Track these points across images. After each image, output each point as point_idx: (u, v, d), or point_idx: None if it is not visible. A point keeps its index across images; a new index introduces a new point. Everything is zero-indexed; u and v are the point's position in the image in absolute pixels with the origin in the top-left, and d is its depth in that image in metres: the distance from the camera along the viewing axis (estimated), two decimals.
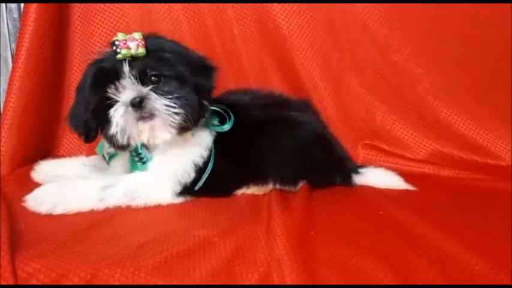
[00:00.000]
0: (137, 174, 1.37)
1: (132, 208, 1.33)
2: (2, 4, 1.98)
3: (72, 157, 1.66)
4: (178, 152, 1.37)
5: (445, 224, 1.19)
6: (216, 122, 1.43)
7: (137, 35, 1.25)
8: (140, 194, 1.33)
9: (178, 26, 1.80)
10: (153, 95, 1.25)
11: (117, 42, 1.24)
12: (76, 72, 1.85)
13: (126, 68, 1.25)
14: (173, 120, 1.27)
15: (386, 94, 1.88)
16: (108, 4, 1.80)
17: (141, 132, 1.28)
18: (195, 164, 1.37)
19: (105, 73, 1.27)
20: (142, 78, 1.26)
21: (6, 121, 1.65)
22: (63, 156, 1.79)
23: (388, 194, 1.49)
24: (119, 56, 1.24)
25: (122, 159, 1.43)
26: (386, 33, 1.85)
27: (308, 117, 1.56)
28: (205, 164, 1.39)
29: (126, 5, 1.80)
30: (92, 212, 1.29)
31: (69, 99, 1.84)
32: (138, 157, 1.35)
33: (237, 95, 1.55)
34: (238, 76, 1.83)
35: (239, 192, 1.47)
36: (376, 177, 1.58)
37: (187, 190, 1.38)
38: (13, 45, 2.00)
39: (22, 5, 1.93)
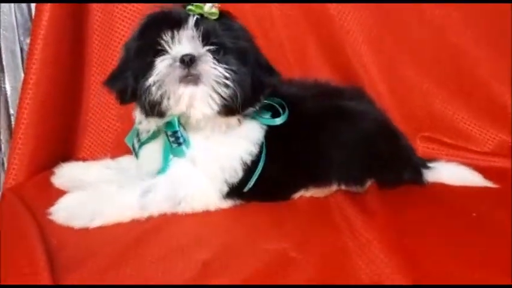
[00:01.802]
0: (177, 173, 1.18)
1: (179, 215, 1.16)
2: None
3: (96, 160, 1.48)
4: (223, 145, 1.20)
5: None
6: (268, 116, 1.26)
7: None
8: (184, 196, 1.16)
9: None
10: (209, 57, 1.11)
11: None
12: (96, 65, 1.66)
13: (191, 20, 1.11)
14: (219, 92, 1.11)
15: (445, 80, 1.69)
16: None
17: (180, 98, 1.11)
18: (243, 162, 1.20)
19: (166, 18, 1.14)
20: (203, 41, 1.12)
21: (22, 120, 1.45)
22: (84, 159, 1.61)
23: (470, 192, 1.31)
24: (190, 7, 1.11)
25: (152, 148, 1.26)
26: (443, 13, 1.66)
27: (366, 107, 1.39)
28: (255, 162, 1.21)
29: None
30: (133, 222, 1.11)
31: (89, 95, 1.67)
32: (173, 136, 1.17)
33: (282, 86, 1.37)
34: (279, 65, 1.60)
35: (297, 195, 1.29)
36: (450, 173, 1.40)
37: (235, 192, 1.21)
38: (22, 38, 1.82)
39: None
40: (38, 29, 1.47)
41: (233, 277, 0.84)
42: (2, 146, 1.79)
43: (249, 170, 1.21)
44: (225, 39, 1.14)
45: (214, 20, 1.13)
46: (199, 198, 1.18)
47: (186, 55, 1.09)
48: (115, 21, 1.63)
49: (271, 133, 1.25)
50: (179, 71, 1.09)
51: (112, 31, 1.64)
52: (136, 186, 1.17)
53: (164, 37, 1.11)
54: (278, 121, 1.24)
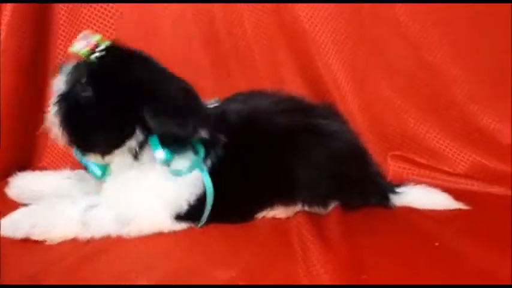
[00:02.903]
0: (127, 192, 1.13)
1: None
2: None
3: (55, 170, 1.40)
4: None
5: None
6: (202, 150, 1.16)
7: (95, 37, 1.10)
8: (133, 217, 1.10)
9: (183, 17, 1.57)
10: (57, 107, 1.10)
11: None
12: None
13: (69, 64, 1.11)
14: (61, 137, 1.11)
15: (419, 98, 1.65)
16: None
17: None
18: (185, 199, 1.14)
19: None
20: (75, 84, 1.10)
21: None
22: (45, 168, 1.54)
23: (438, 216, 1.27)
24: (71, 48, 1.10)
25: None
26: (419, 29, 1.62)
27: (339, 127, 1.34)
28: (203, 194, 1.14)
29: None
30: (78, 242, 1.06)
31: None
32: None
33: (254, 98, 1.33)
34: (249, 76, 1.60)
35: (260, 215, 1.24)
36: (419, 196, 1.35)
37: (190, 216, 1.15)
38: None
39: None
40: None
41: None
42: None
43: (198, 201, 1.14)
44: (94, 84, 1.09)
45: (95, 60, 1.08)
46: (150, 222, 1.12)
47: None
48: (82, 22, 1.56)
49: (236, 149, 1.18)
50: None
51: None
52: (83, 199, 1.13)
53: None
54: (184, 172, 1.13)
